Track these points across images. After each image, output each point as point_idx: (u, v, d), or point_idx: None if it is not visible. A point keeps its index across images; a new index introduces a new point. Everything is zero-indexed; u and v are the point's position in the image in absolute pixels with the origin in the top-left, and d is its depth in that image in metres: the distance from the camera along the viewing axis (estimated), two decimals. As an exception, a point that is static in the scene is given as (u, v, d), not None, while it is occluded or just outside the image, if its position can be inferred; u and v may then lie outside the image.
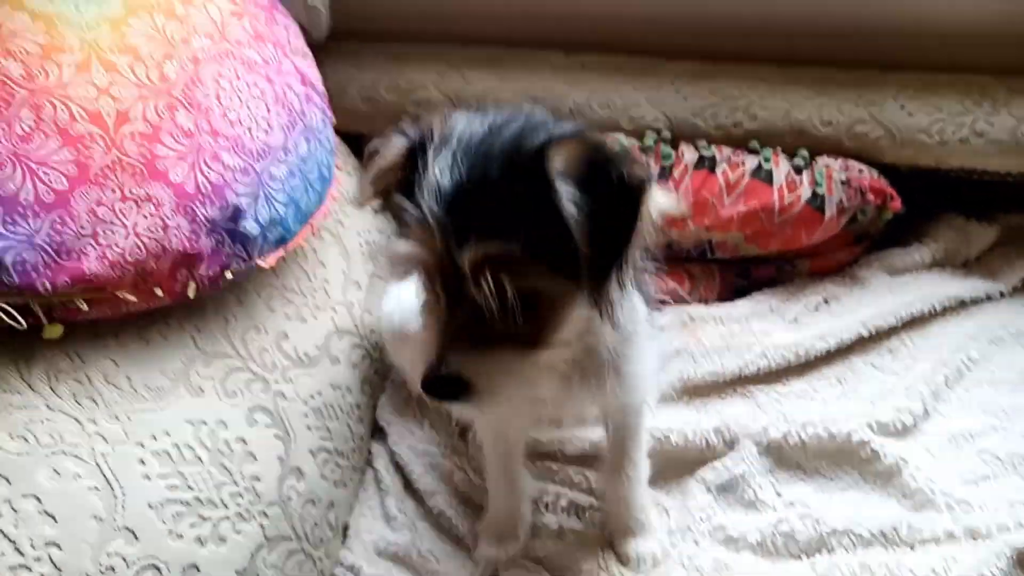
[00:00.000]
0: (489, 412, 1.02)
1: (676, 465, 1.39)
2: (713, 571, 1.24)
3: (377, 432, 1.52)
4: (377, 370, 1.53)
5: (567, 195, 0.84)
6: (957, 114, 1.56)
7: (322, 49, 1.67)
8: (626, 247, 0.88)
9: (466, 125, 0.92)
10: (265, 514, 1.20)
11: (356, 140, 1.72)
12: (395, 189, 0.95)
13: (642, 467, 1.29)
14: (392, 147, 0.96)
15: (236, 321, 1.30)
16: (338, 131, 1.54)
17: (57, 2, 1.14)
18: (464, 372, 0.89)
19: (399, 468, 1.44)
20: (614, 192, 0.86)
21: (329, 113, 1.48)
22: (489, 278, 0.84)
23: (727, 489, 1.35)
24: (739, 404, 1.46)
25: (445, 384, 0.90)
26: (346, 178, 1.63)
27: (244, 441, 1.22)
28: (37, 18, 1.11)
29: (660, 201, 0.90)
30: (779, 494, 1.33)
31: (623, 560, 1.28)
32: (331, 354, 1.42)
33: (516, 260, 0.85)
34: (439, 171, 0.87)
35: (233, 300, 1.31)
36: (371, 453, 1.48)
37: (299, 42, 1.48)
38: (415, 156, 0.92)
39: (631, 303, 1.11)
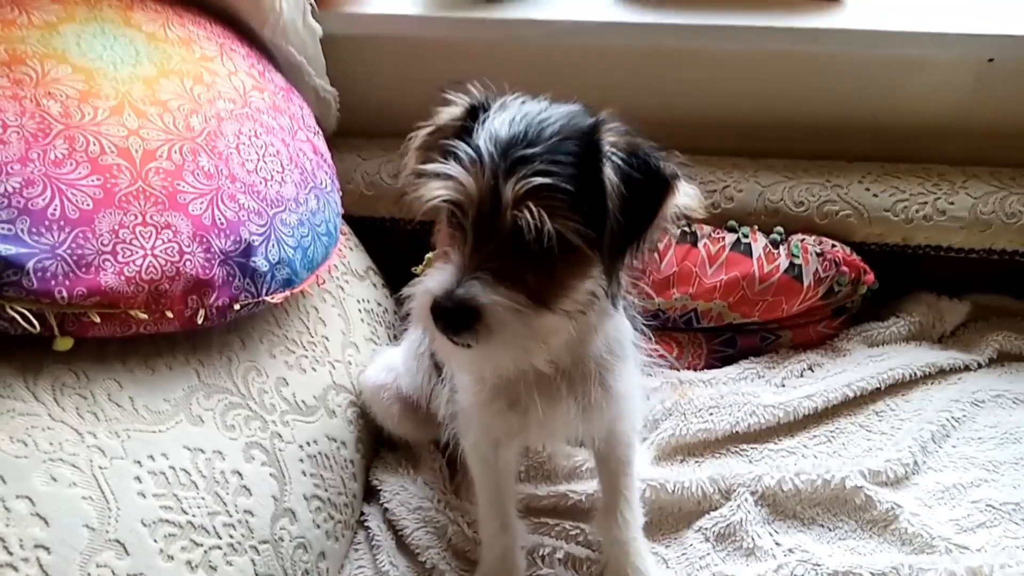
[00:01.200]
0: (486, 358, 1.00)
1: (673, 516, 1.39)
2: (716, 616, 1.21)
3: (370, 496, 1.50)
4: (371, 431, 1.53)
5: (612, 165, 0.94)
6: (918, 195, 1.68)
7: (330, 141, 1.79)
8: (648, 227, 0.97)
9: (524, 100, 1.01)
10: (256, 550, 1.18)
11: (360, 222, 1.82)
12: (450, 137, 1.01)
13: (636, 509, 1.28)
14: (455, 105, 1.05)
15: (239, 362, 1.32)
16: (344, 213, 1.63)
17: (97, 60, 1.26)
18: (479, 297, 0.92)
19: (392, 525, 1.42)
20: (650, 175, 0.96)
21: (336, 182, 1.58)
22: (532, 206, 0.90)
23: (725, 538, 1.33)
24: (732, 460, 1.47)
25: (455, 312, 0.92)
26: (350, 252, 1.71)
27: (240, 475, 1.21)
28: (78, 70, 1.23)
29: (686, 193, 1.00)
30: (777, 543, 1.32)
31: (622, 609, 1.25)
32: (328, 407, 1.43)
33: (557, 201, 0.91)
34: (498, 124, 0.96)
35: (237, 343, 1.34)
36: (364, 514, 1.46)
37: (311, 121, 1.60)
38: (475, 115, 1.00)
39: (621, 320, 1.17)
